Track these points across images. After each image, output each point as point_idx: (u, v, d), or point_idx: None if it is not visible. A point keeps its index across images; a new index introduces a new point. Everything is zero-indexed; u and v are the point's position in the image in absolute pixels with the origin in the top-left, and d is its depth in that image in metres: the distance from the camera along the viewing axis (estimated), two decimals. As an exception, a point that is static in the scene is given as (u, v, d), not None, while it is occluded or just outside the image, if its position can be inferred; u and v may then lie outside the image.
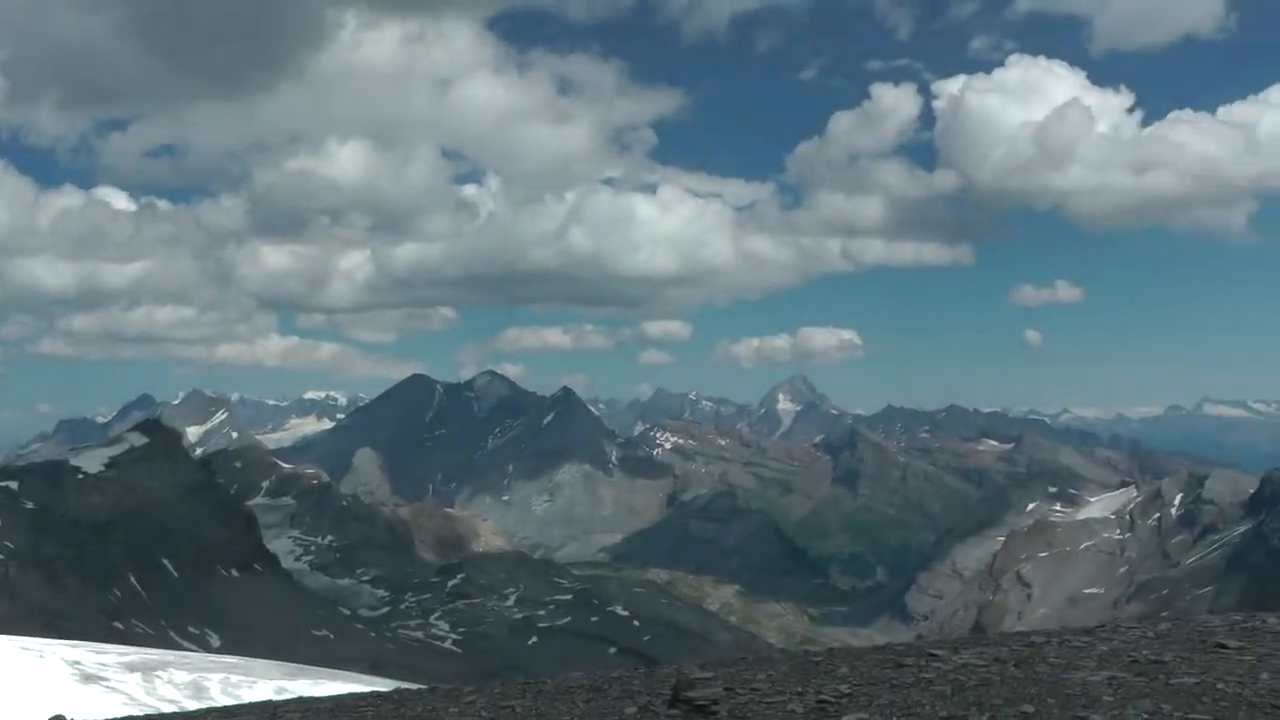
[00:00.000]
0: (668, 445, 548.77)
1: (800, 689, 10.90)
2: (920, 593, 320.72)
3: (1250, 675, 10.48)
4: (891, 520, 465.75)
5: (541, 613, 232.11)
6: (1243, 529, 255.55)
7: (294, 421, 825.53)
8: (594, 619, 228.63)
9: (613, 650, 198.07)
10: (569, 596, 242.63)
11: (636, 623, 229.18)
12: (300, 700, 15.69)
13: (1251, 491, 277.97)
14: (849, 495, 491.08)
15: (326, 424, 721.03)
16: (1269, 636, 12.89)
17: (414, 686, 17.47)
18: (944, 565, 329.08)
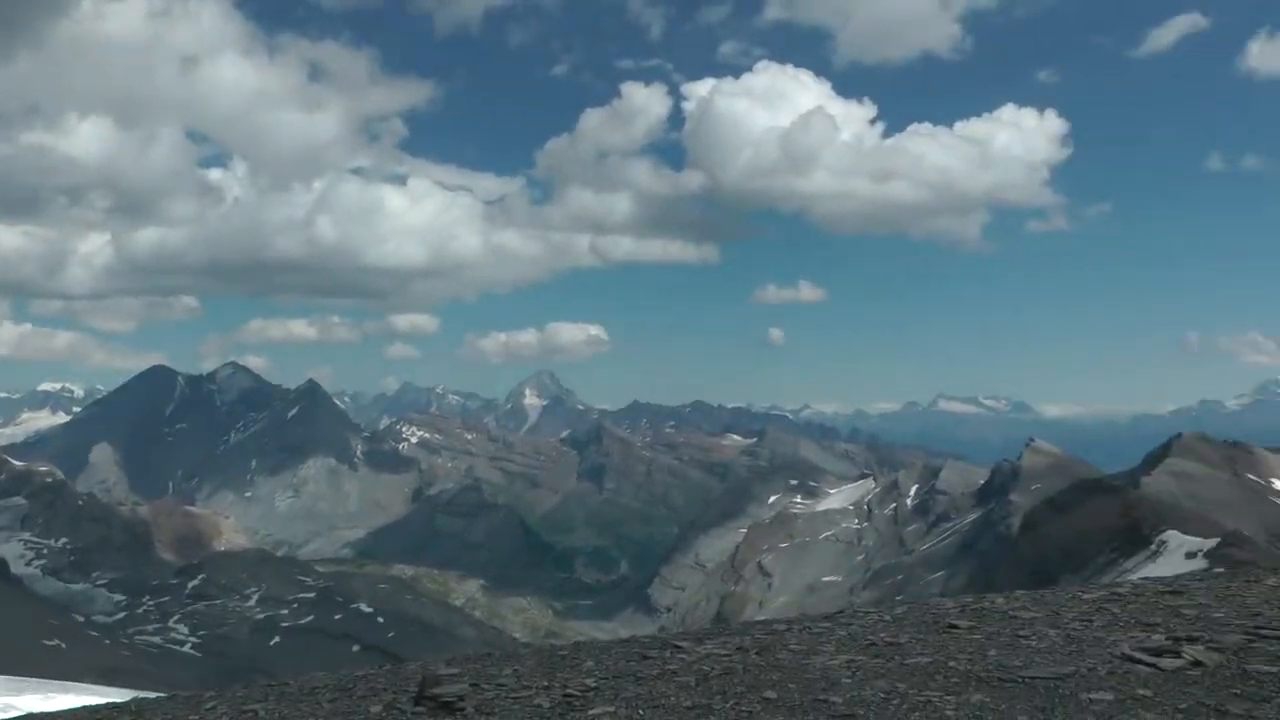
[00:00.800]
0: (414, 440, 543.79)
1: (546, 683, 10.87)
2: (664, 585, 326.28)
3: (979, 652, 11.02)
4: (636, 514, 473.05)
5: (284, 612, 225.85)
6: (973, 517, 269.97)
7: (26, 415, 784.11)
8: (338, 617, 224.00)
9: (357, 648, 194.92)
10: (312, 595, 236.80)
11: (381, 620, 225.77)
12: (28, 717, 14.85)
13: (981, 482, 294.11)
14: (594, 490, 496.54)
15: (62, 417, 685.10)
16: (996, 616, 13.60)
17: (152, 695, 16.68)
18: (687, 557, 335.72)
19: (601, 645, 13.61)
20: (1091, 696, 9.18)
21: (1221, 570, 20.64)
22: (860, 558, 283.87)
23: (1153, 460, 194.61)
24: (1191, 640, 11.17)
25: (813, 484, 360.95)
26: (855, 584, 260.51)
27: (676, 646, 12.48)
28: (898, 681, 9.93)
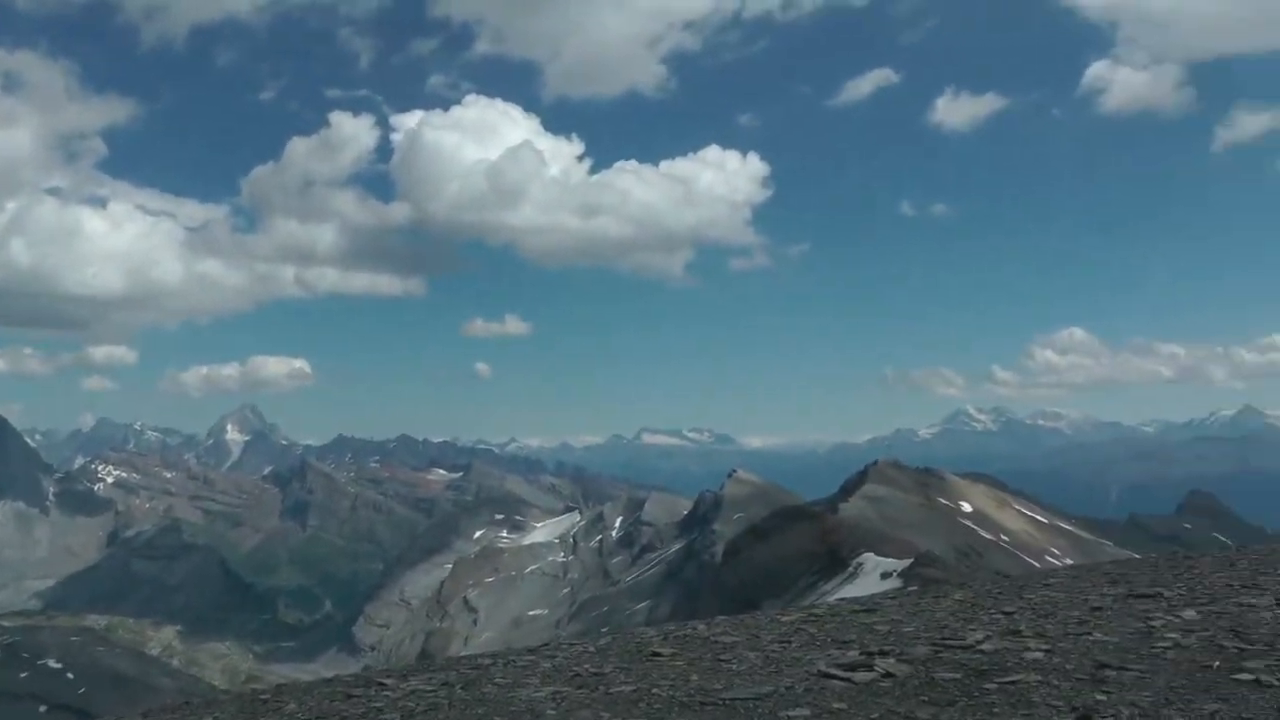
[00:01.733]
0: (110, 479, 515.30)
1: (241, 730, 10.54)
2: (368, 623, 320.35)
3: (682, 678, 11.30)
4: (341, 551, 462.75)
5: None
6: (677, 546, 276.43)
7: None
8: (24, 675, 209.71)
9: (44, 709, 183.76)
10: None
11: (70, 675, 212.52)
12: None
13: (685, 512, 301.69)
14: (298, 527, 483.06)
15: None
16: (698, 642, 13.97)
17: None
18: (392, 594, 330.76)
19: (304, 687, 13.26)
20: (790, 714, 9.56)
21: (914, 588, 21.85)
22: (566, 590, 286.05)
23: (850, 487, 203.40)
24: (883, 654, 11.79)
25: (519, 518, 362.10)
26: (561, 617, 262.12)
27: (381, 684, 12.29)
28: (602, 711, 10.07)
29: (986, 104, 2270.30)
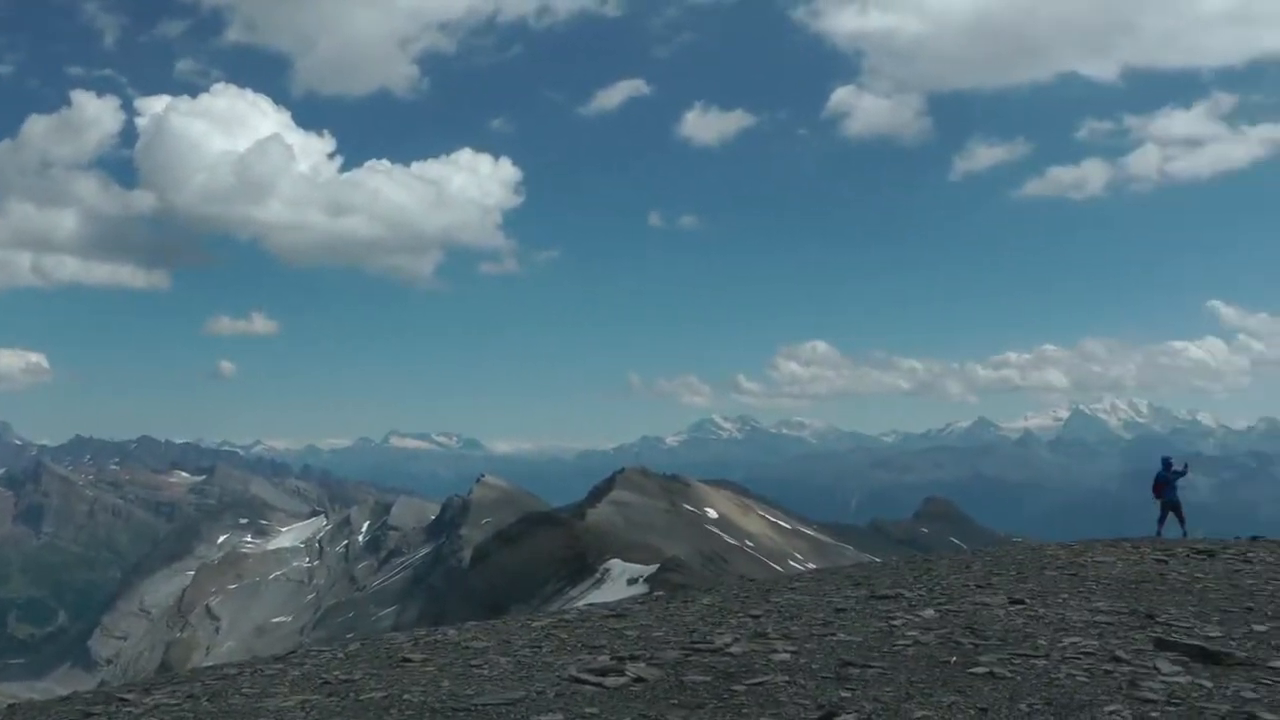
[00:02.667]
0: None
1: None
2: (105, 635, 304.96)
3: (433, 684, 11.15)
4: (77, 559, 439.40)
5: None
6: (424, 551, 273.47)
7: None
8: None
9: None
10: None
11: None
12: None
13: (433, 517, 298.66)
14: (32, 534, 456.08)
15: None
16: (449, 647, 13.83)
17: None
18: (131, 604, 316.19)
19: (39, 706, 12.47)
20: (541, 719, 9.54)
21: (661, 593, 22.15)
22: (311, 596, 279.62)
23: (598, 493, 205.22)
24: (634, 659, 11.90)
25: (264, 522, 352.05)
26: (305, 624, 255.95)
27: (122, 699, 11.69)
28: (352, 719, 9.84)
29: (735, 120, 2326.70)
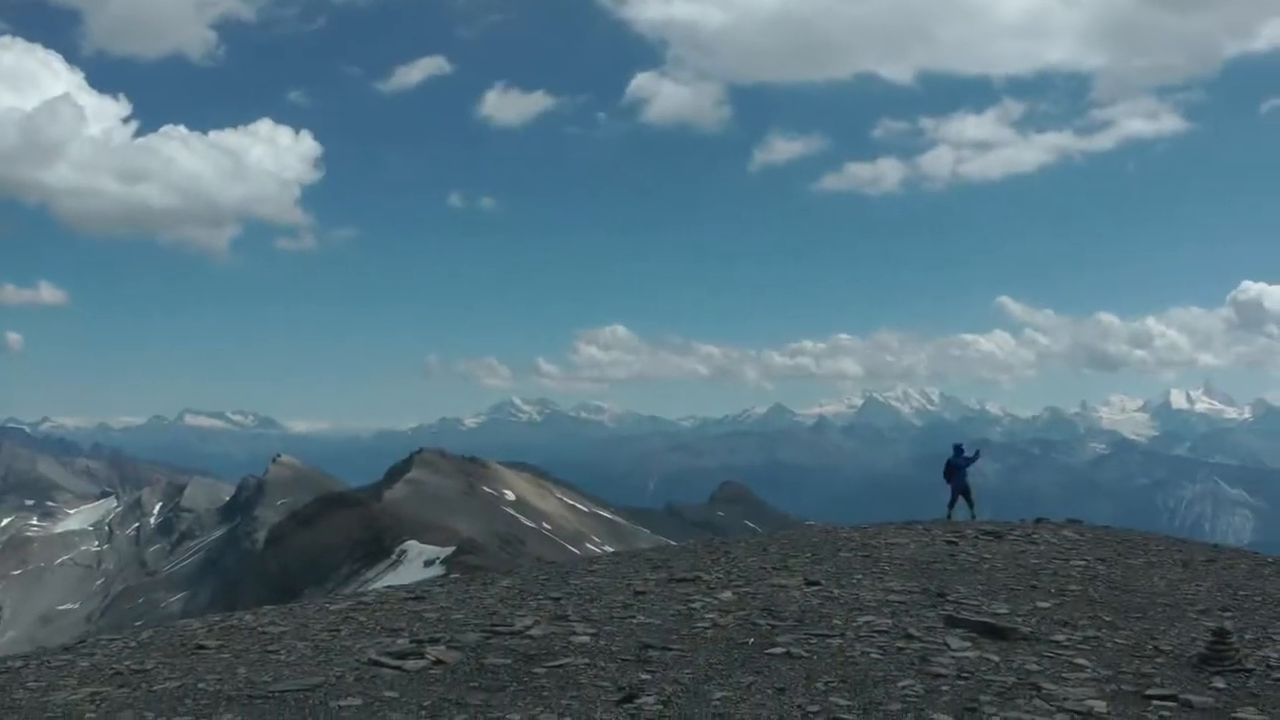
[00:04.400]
0: None
1: None
2: None
3: (229, 671, 10.81)
4: None
5: None
6: (218, 534, 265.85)
7: None
8: None
9: None
10: None
11: None
12: None
13: (227, 498, 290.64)
14: None
15: None
16: (245, 633, 13.45)
17: None
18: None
19: None
20: (340, 704, 9.34)
21: (460, 575, 21.96)
22: (100, 582, 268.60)
23: (395, 474, 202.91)
24: (434, 641, 11.77)
25: (51, 504, 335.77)
26: (93, 610, 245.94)
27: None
28: (145, 710, 9.44)
29: (535, 102, 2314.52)
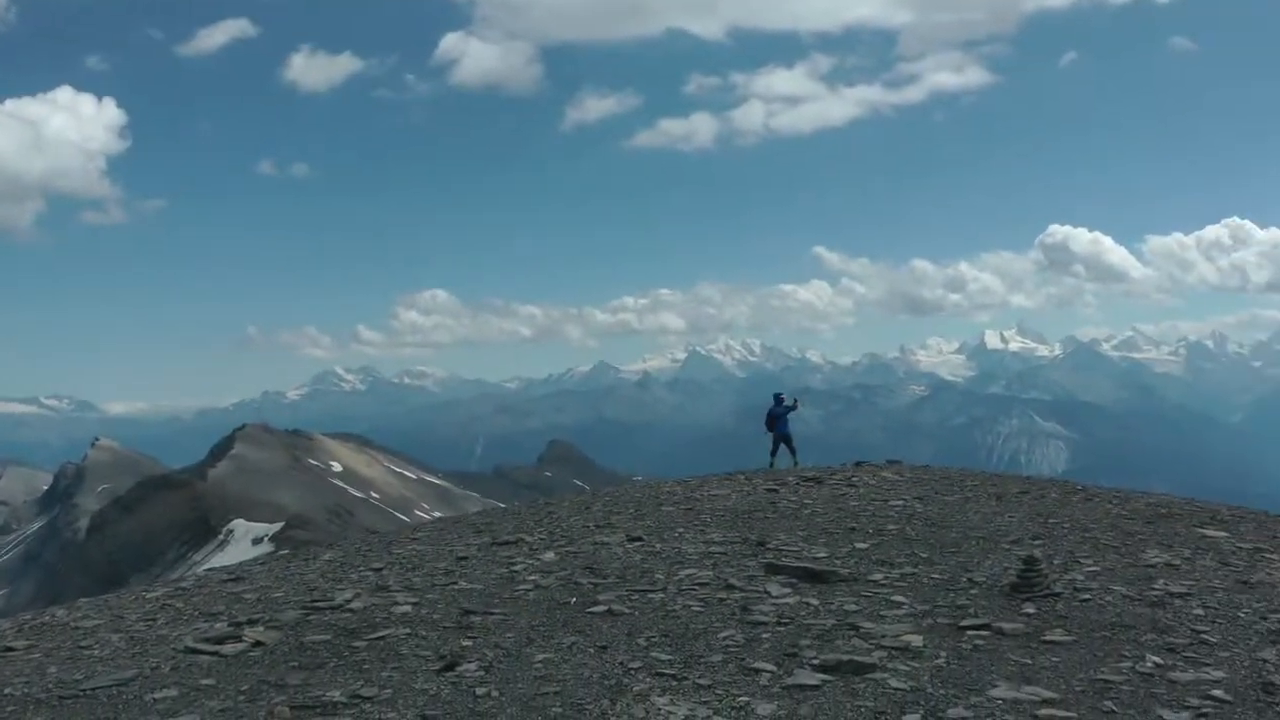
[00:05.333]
0: None
1: None
2: None
3: (38, 672, 10.36)
4: None
5: None
6: (37, 525, 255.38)
7: None
8: None
9: None
10: None
11: None
12: None
13: (45, 487, 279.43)
14: None
15: None
16: (57, 630, 12.93)
17: None
18: None
19: None
20: (156, 696, 9.06)
21: (284, 552, 21.54)
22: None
23: (218, 452, 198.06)
24: (252, 623, 11.51)
25: None
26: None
27: None
28: (-57, 720, 9.01)
29: (343, 65, 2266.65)
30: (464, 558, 15.11)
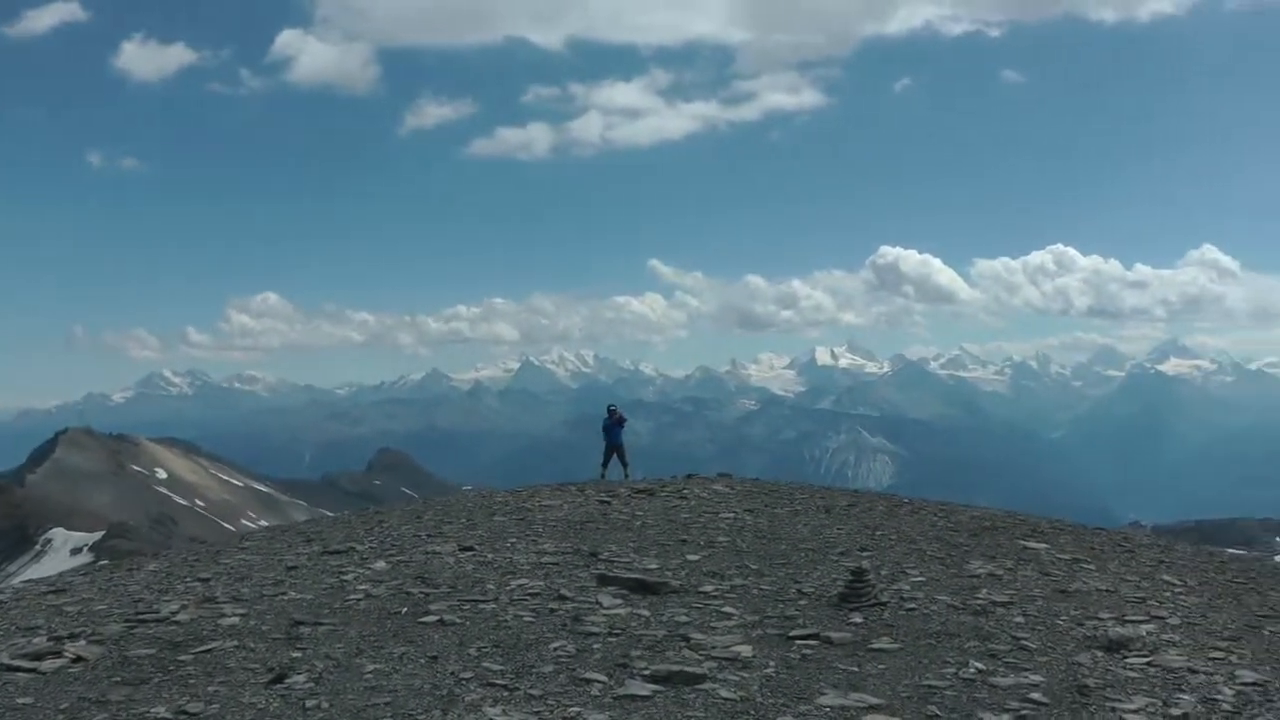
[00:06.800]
0: None
1: None
2: None
3: None
4: None
5: None
6: None
7: None
8: None
9: None
10: None
11: None
12: None
13: None
14: None
15: None
16: None
17: None
18: None
19: None
20: (-34, 718, 8.65)
21: (105, 563, 20.80)
22: None
23: (38, 457, 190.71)
24: (73, 637, 11.06)
25: None
26: None
27: None
28: None
29: (176, 55, 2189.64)
30: (293, 567, 14.83)
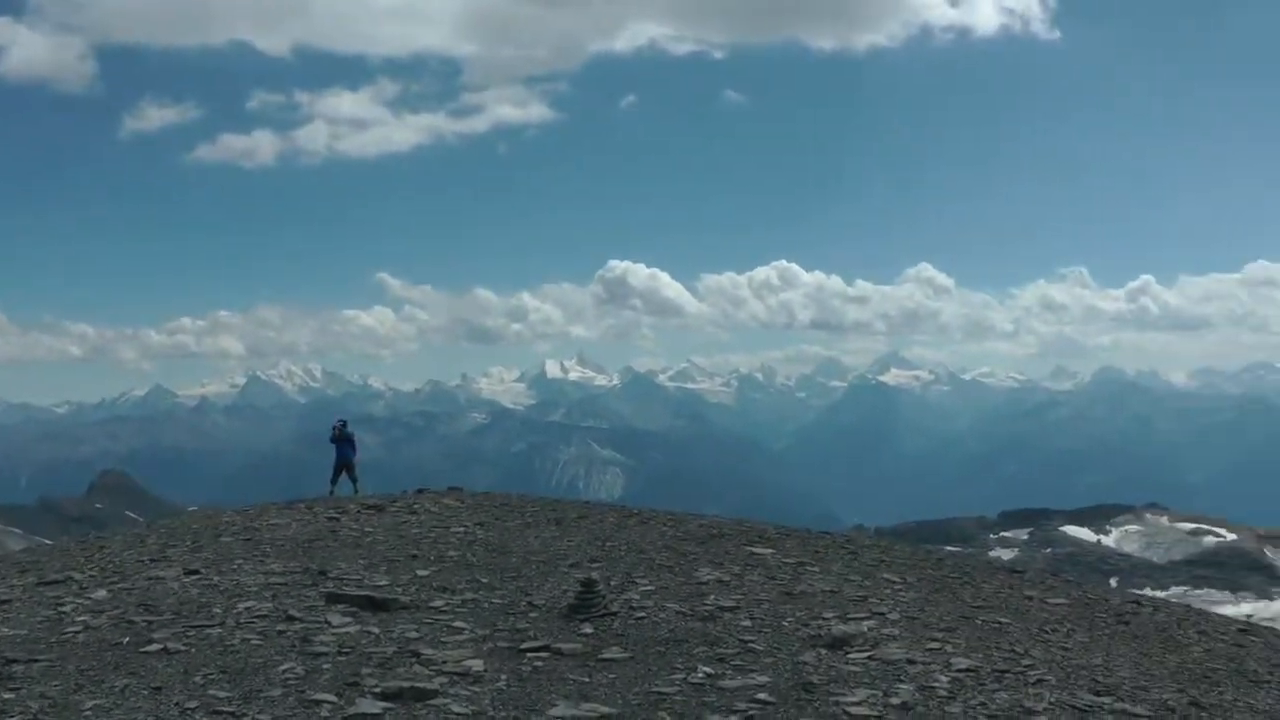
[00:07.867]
0: None
1: None
2: None
3: None
4: None
5: None
6: None
7: None
8: None
9: None
10: None
11: None
12: None
13: None
14: None
15: None
16: None
17: None
18: None
19: None
20: None
21: None
22: None
23: None
24: None
25: None
26: None
27: None
28: None
29: None
30: (5, 601, 13.96)
